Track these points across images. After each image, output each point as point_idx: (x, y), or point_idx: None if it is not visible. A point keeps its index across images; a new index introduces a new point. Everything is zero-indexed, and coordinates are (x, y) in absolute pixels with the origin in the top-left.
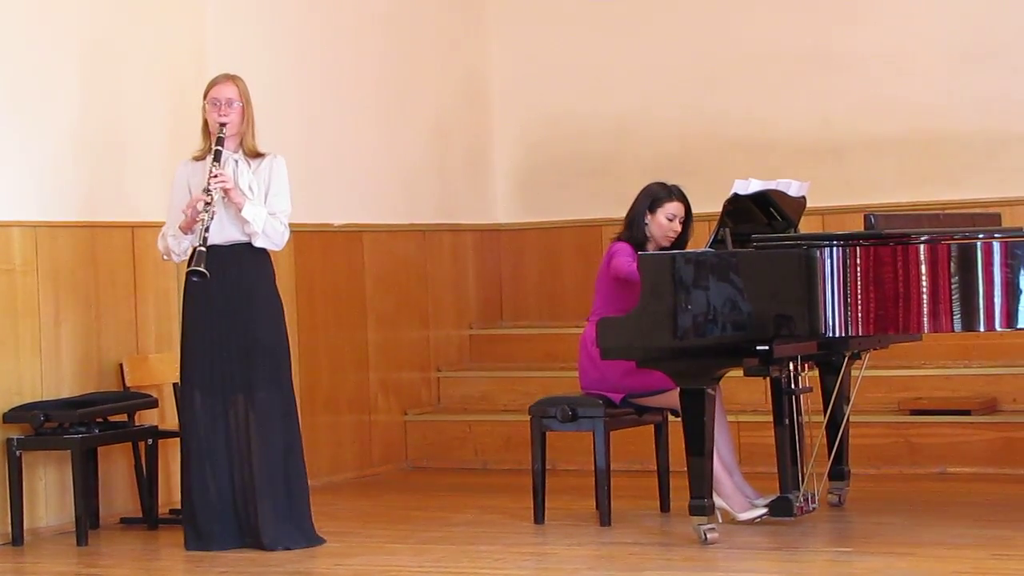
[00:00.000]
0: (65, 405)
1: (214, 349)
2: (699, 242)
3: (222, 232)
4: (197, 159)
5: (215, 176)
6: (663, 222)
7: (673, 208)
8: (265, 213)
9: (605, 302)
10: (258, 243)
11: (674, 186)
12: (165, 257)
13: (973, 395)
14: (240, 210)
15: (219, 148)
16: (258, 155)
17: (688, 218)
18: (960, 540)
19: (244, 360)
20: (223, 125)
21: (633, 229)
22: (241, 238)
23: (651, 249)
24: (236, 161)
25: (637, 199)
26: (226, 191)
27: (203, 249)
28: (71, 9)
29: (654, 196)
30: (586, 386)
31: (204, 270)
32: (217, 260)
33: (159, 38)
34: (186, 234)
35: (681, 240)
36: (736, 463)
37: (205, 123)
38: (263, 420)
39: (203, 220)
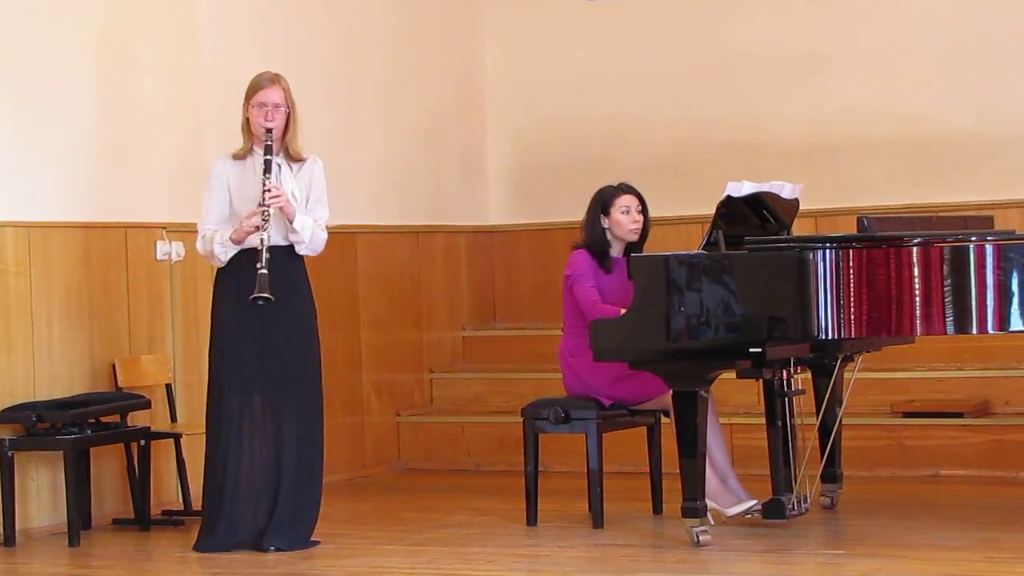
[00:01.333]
0: (57, 406)
1: (246, 348)
2: (692, 244)
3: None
4: (237, 157)
5: (269, 191)
6: (620, 218)
7: (625, 200)
8: (311, 222)
9: (577, 316)
10: (301, 250)
11: (622, 183)
12: (209, 259)
13: (965, 398)
14: (292, 221)
15: (269, 158)
16: (300, 159)
17: (645, 209)
18: (952, 542)
19: (276, 360)
20: (269, 131)
21: (593, 238)
22: (279, 242)
23: (617, 250)
24: (279, 166)
25: (588, 208)
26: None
27: (265, 271)
28: (67, 12)
29: (603, 198)
30: (572, 395)
31: (269, 295)
32: (252, 260)
33: (151, 41)
34: (236, 245)
35: (643, 232)
36: (731, 467)
37: (246, 121)
38: (292, 421)
39: (263, 240)
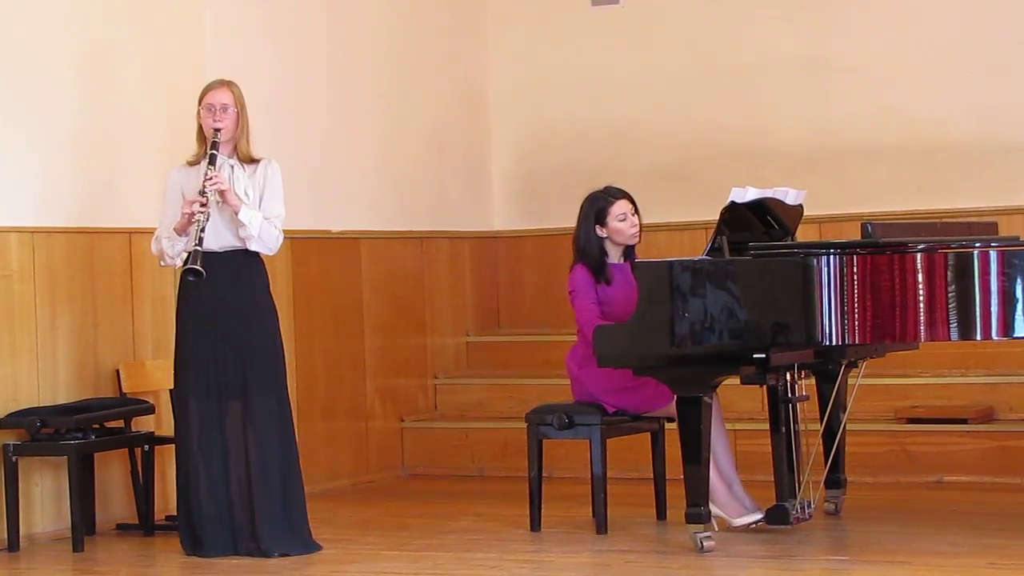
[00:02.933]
0: (61, 411)
1: (208, 355)
2: (696, 250)
3: (217, 238)
4: (191, 164)
5: (210, 178)
6: (619, 226)
7: (620, 208)
8: (260, 217)
9: None
10: (252, 246)
11: (609, 187)
12: (161, 262)
13: (970, 404)
14: (236, 213)
15: (214, 152)
16: (253, 161)
17: (637, 209)
18: (956, 549)
19: (239, 366)
20: (217, 131)
21: (588, 250)
22: (235, 244)
23: (615, 256)
24: (231, 166)
25: (580, 218)
26: (221, 193)
27: (199, 248)
28: (69, 15)
29: (597, 208)
30: (578, 400)
31: (200, 268)
32: (211, 266)
33: (157, 45)
34: (180, 236)
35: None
36: (736, 474)
37: (200, 128)
38: (259, 426)
39: (199, 221)
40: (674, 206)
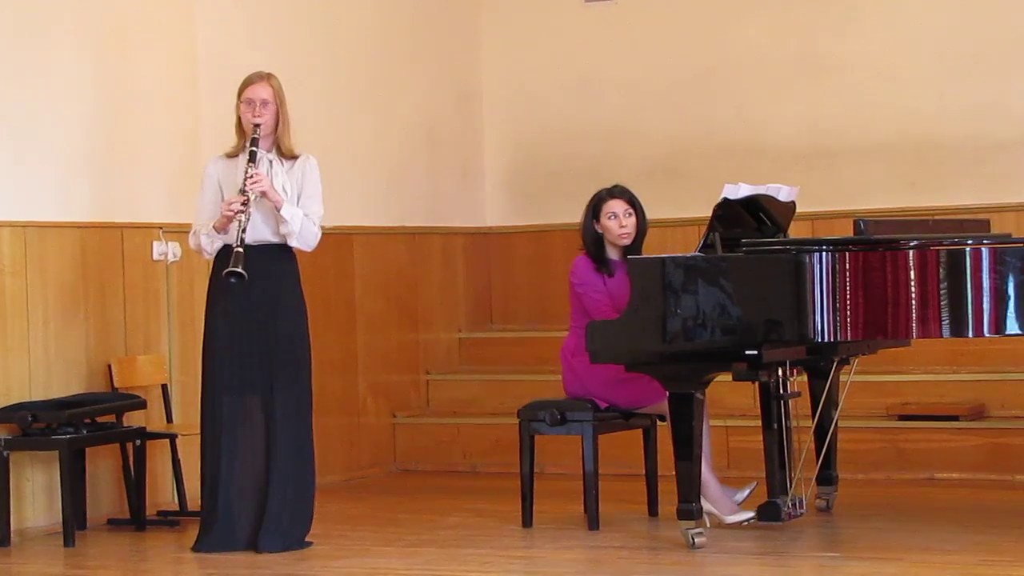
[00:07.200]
0: (53, 406)
1: (238, 349)
2: (689, 246)
3: (252, 232)
4: (230, 156)
5: (251, 177)
6: (608, 224)
7: (612, 206)
8: (301, 213)
9: (583, 315)
10: (292, 243)
11: (615, 186)
12: (202, 255)
13: (961, 401)
14: (279, 208)
15: (254, 148)
16: (292, 156)
17: (638, 211)
18: (948, 546)
19: (266, 360)
20: (257, 126)
21: (587, 243)
22: (270, 239)
23: (614, 253)
24: (270, 161)
25: (584, 212)
26: (262, 192)
27: (240, 250)
28: (66, 13)
29: (595, 202)
30: (570, 395)
31: (242, 271)
32: (244, 260)
33: (150, 43)
34: (219, 233)
35: (639, 231)
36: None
37: (239, 120)
38: (278, 422)
39: (240, 220)
40: (667, 202)
